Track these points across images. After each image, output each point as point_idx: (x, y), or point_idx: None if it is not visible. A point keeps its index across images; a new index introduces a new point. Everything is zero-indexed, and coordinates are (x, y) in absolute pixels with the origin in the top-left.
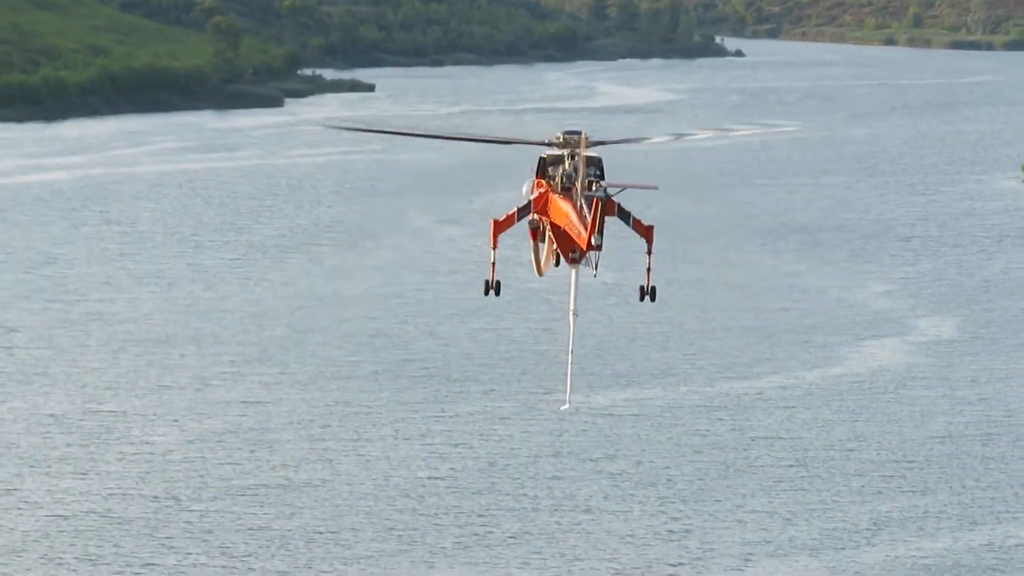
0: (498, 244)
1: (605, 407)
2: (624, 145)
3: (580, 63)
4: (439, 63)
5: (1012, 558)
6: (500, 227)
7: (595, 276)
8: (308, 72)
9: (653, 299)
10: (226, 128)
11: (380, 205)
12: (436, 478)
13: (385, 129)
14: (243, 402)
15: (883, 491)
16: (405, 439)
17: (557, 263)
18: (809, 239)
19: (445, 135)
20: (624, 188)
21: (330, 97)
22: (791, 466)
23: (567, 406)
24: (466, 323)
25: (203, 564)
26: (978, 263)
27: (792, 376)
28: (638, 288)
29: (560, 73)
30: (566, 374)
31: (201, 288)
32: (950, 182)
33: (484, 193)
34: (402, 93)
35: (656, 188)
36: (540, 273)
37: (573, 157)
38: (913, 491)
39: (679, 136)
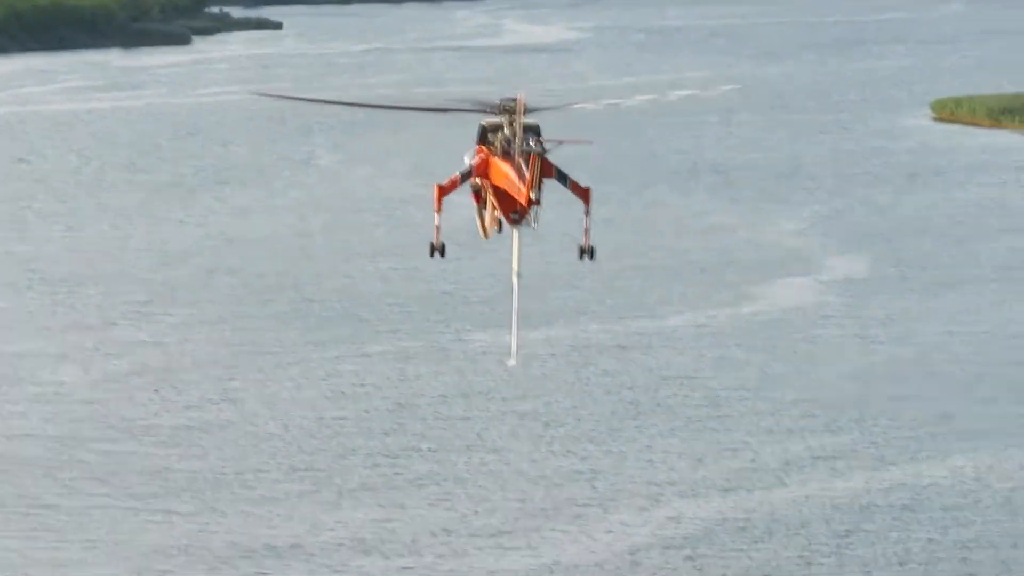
0: (442, 207)
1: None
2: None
3: (488, 1)
4: (347, 1)
5: (923, 497)
6: (443, 191)
7: (535, 228)
8: (215, 10)
9: (592, 258)
10: (133, 66)
11: (288, 144)
12: (343, 419)
13: (326, 99)
14: (149, 343)
15: (794, 431)
16: (313, 379)
17: (500, 229)
18: (719, 179)
19: (385, 104)
20: (560, 143)
21: (237, 35)
22: (701, 406)
23: (512, 361)
24: (375, 263)
25: (107, 506)
26: (889, 202)
27: (702, 315)
28: (576, 247)
29: (468, 11)
30: (511, 331)
31: (107, 228)
32: (860, 121)
33: (394, 132)
34: (310, 31)
35: (591, 143)
36: (486, 236)
37: (511, 124)
38: (824, 431)
39: (616, 101)
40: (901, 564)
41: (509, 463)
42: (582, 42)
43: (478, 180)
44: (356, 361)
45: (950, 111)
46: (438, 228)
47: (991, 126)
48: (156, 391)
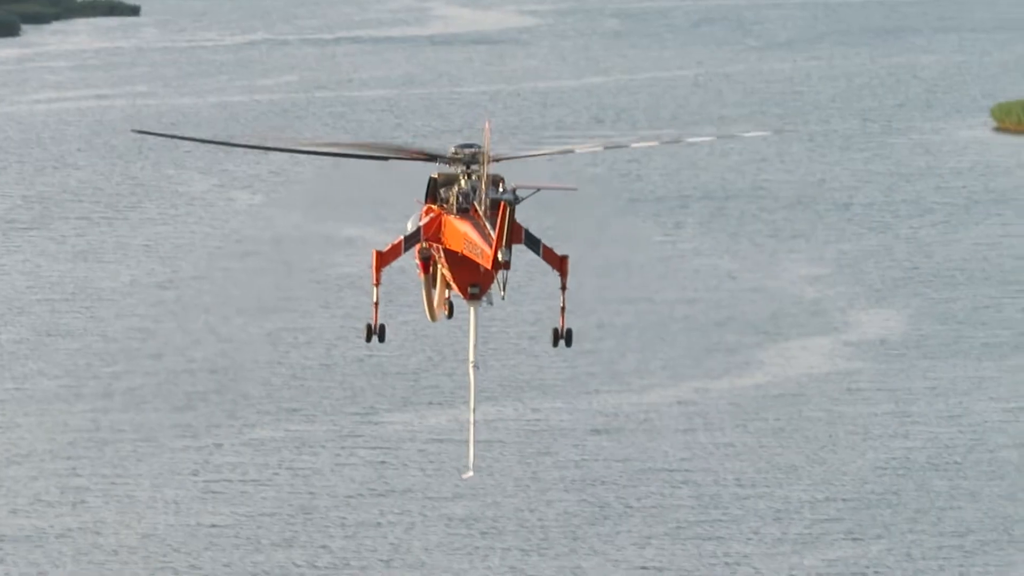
0: (381, 280)
1: (449, 428)
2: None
3: None
4: None
5: None
6: (384, 259)
7: (503, 299)
8: None
9: (569, 344)
10: None
11: (146, 165)
12: (220, 527)
13: (234, 142)
14: None
15: (807, 541)
16: (179, 475)
17: (450, 315)
18: (715, 209)
19: (306, 149)
20: (538, 190)
21: (81, 23)
22: (688, 508)
23: (470, 473)
24: (261, 322)
25: None
26: (937, 239)
27: (691, 388)
28: (552, 332)
29: None
30: (468, 436)
31: None
32: (899, 133)
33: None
34: (176, 17)
35: (575, 189)
36: (434, 317)
37: (470, 175)
38: (847, 540)
39: (609, 147)
40: None
41: None
42: (536, 30)
43: (427, 245)
44: (236, 451)
45: (1016, 119)
46: (375, 305)
47: None
48: None
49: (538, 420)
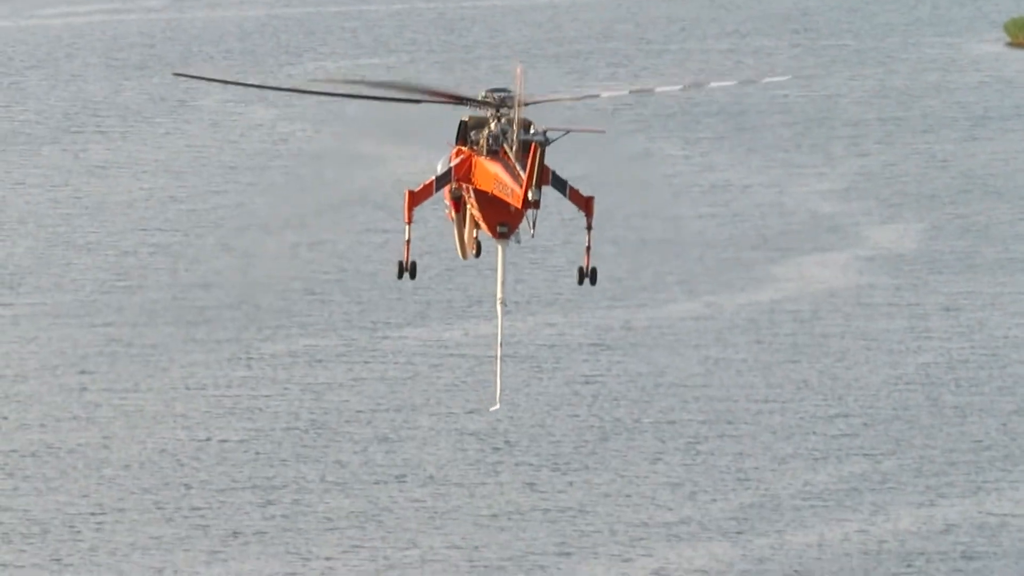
0: (413, 219)
1: (466, 342)
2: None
3: None
4: None
5: (989, 542)
6: (416, 199)
7: (532, 237)
8: None
9: (593, 282)
10: None
11: (161, 80)
12: (231, 441)
13: (269, 85)
14: None
15: (821, 456)
16: (191, 390)
17: (478, 254)
18: (730, 124)
19: (340, 92)
20: (568, 132)
21: None
22: (701, 423)
23: (497, 406)
24: (275, 236)
25: None
26: (951, 154)
27: (706, 303)
28: (576, 270)
29: None
30: (495, 370)
31: None
32: (912, 47)
33: (299, 62)
34: None
35: (604, 131)
36: (464, 255)
37: (500, 118)
38: (861, 455)
39: (637, 91)
40: None
41: (449, 498)
42: None
43: (458, 185)
44: (249, 365)
45: None
46: (407, 243)
47: None
48: None
49: (551, 335)
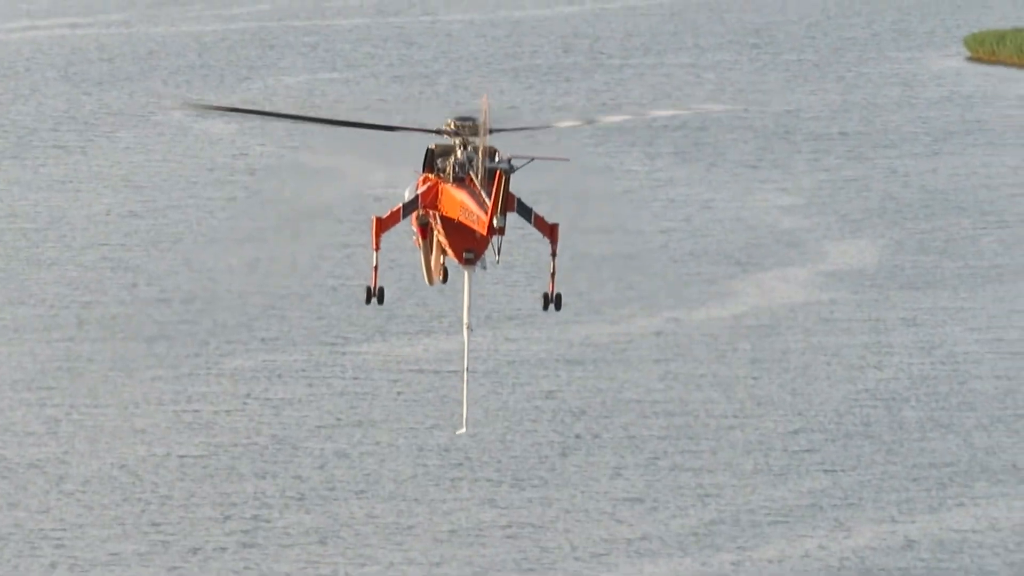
0: (380, 245)
1: (426, 358)
2: None
3: None
4: None
5: (950, 558)
6: (383, 225)
7: (497, 264)
8: None
9: (558, 308)
10: None
11: (120, 94)
12: (192, 456)
13: (265, 111)
14: None
15: (783, 471)
16: (153, 405)
17: (445, 277)
18: (690, 137)
19: (324, 119)
20: (532, 160)
21: None
22: (663, 438)
23: (463, 430)
24: (236, 251)
25: None
26: (912, 169)
27: (670, 319)
28: (541, 296)
29: None
30: (462, 394)
31: None
32: (874, 62)
33: (258, 77)
34: None
35: (568, 160)
36: (432, 281)
37: (466, 146)
38: (822, 470)
39: (590, 121)
40: None
41: (411, 514)
42: None
43: (424, 212)
44: (210, 381)
45: (989, 49)
46: (375, 269)
47: None
48: None
49: (512, 350)
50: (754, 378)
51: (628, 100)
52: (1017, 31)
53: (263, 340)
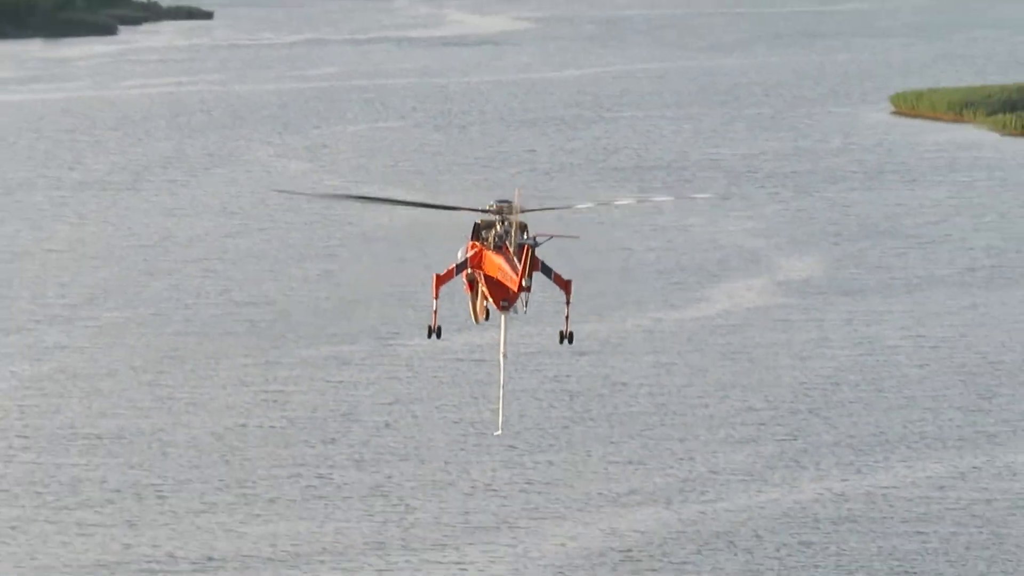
0: (439, 295)
1: (460, 350)
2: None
3: None
4: None
5: (880, 509)
6: (441, 280)
7: (525, 312)
8: None
9: (571, 343)
10: (56, 57)
11: (218, 139)
12: (274, 427)
13: (336, 194)
14: (72, 347)
15: (748, 439)
16: (243, 386)
17: (487, 317)
18: (675, 176)
19: (390, 199)
20: (551, 237)
21: (166, 24)
22: (652, 414)
23: (499, 432)
24: (307, 265)
25: (24, 518)
26: (850, 201)
27: (655, 319)
28: (558, 332)
29: (408, 1)
30: (498, 403)
31: (26, 227)
32: (819, 116)
33: (325, 125)
34: (241, 21)
35: (578, 238)
36: (477, 320)
37: (504, 222)
38: (781, 439)
39: (602, 204)
40: None
41: (446, 472)
42: (528, 33)
43: (472, 271)
44: (287, 367)
45: (910, 105)
46: (435, 313)
47: (953, 120)
48: (79, 398)
49: (530, 342)
50: (722, 366)
51: (624, 146)
52: (932, 90)
53: (331, 335)
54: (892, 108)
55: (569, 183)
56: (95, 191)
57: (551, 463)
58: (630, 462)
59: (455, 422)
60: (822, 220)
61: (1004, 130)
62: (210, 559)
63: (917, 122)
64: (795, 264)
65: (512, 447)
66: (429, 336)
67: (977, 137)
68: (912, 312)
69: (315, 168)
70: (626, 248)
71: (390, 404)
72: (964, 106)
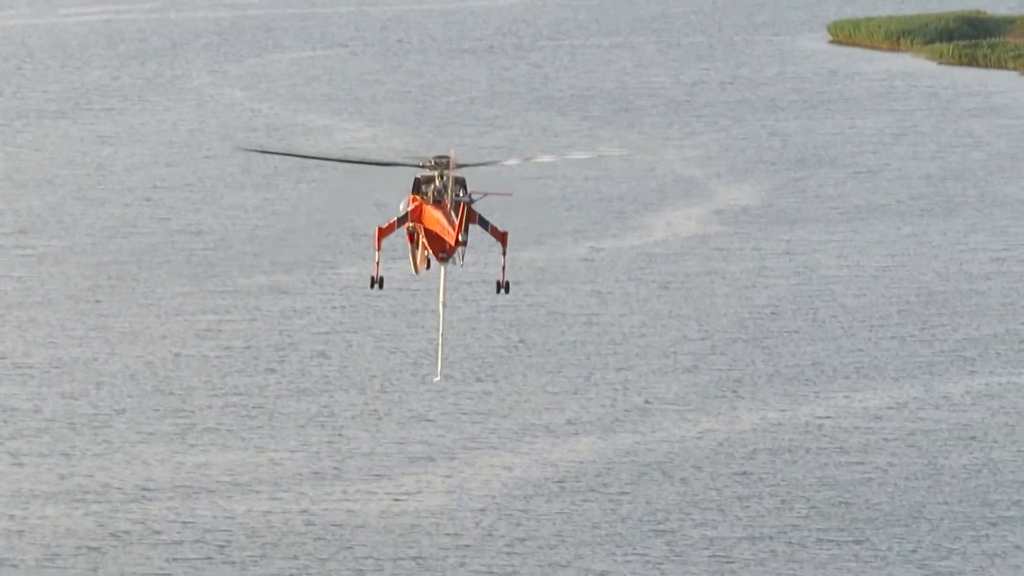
0: (381, 246)
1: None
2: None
3: None
4: None
5: (818, 437)
6: (383, 233)
7: (462, 267)
8: None
9: (507, 291)
10: None
11: (153, 66)
12: (212, 356)
13: (305, 154)
14: (9, 276)
15: (688, 368)
16: (182, 315)
17: (428, 266)
18: (615, 105)
19: (336, 158)
20: (485, 195)
21: None
22: (589, 343)
23: (438, 378)
24: (249, 194)
25: None
26: (788, 130)
27: (592, 247)
28: (495, 283)
29: None
30: (438, 350)
31: None
32: (755, 45)
33: (263, 53)
34: None
35: (511, 195)
36: (417, 270)
37: (442, 176)
38: (720, 368)
39: (528, 159)
40: (788, 507)
41: (384, 402)
42: None
43: (412, 224)
44: (225, 296)
45: (848, 33)
46: (378, 264)
47: (890, 49)
48: (13, 326)
49: (465, 271)
50: (660, 295)
51: (562, 74)
52: (869, 19)
53: (269, 264)
54: (830, 37)
55: (508, 111)
56: (31, 119)
57: (487, 393)
58: (566, 392)
59: (392, 352)
60: (760, 149)
61: (941, 59)
62: (145, 489)
63: (855, 51)
64: (733, 193)
65: (448, 376)
66: (372, 286)
67: (915, 66)
68: (850, 241)
69: (252, 96)
70: (559, 177)
71: (327, 334)
72: (902, 35)
